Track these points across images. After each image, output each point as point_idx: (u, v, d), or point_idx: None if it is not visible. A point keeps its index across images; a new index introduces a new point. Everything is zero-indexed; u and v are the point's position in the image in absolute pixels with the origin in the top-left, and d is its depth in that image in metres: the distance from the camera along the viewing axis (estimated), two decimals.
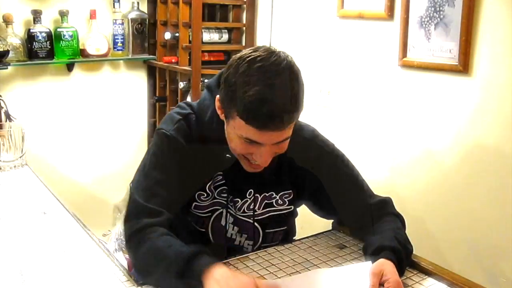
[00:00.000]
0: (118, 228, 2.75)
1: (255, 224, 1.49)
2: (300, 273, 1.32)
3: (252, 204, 1.46)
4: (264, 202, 1.48)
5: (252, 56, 1.24)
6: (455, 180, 1.93)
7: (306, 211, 1.61)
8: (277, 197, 1.48)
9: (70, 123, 2.99)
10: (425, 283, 1.30)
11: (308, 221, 1.66)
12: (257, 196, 1.46)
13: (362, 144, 2.25)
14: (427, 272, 1.34)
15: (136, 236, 1.27)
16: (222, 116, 1.33)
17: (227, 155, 1.38)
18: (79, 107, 3.01)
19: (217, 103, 1.33)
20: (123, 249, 2.63)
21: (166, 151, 1.38)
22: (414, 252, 1.39)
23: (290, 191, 1.49)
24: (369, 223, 1.43)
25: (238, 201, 1.46)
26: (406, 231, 1.44)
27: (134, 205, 1.34)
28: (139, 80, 3.21)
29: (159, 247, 1.22)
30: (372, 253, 1.31)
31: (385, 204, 1.48)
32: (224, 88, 1.28)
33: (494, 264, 1.83)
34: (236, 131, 1.27)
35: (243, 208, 1.46)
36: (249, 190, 1.45)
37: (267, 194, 1.47)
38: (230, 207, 1.46)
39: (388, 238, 1.33)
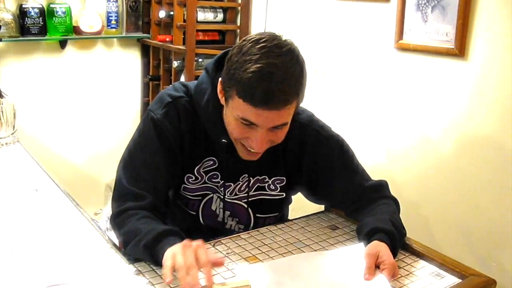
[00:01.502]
0: (110, 207, 2.75)
1: (246, 206, 1.48)
2: (292, 253, 1.32)
3: (244, 186, 1.46)
4: (257, 185, 1.47)
5: (256, 38, 1.24)
6: (449, 165, 1.94)
7: (298, 194, 1.61)
8: (270, 182, 1.47)
9: (63, 100, 2.97)
10: (417, 265, 1.31)
11: (300, 203, 1.67)
12: (250, 179, 1.46)
13: (356, 127, 2.25)
14: (419, 254, 1.35)
15: (118, 217, 1.32)
16: (222, 100, 1.31)
17: (223, 140, 1.36)
18: (72, 85, 2.98)
19: (218, 87, 1.31)
20: None
21: (152, 135, 1.37)
22: (407, 235, 1.40)
23: (283, 177, 1.48)
24: (364, 206, 1.44)
25: (231, 185, 1.45)
26: (400, 215, 1.44)
27: (120, 187, 1.37)
28: (132, 58, 3.19)
29: (136, 226, 1.25)
30: (366, 235, 1.32)
31: (381, 187, 1.48)
32: (226, 69, 1.27)
33: (485, 249, 1.84)
34: (234, 112, 1.26)
35: (235, 191, 1.46)
36: (243, 175, 1.44)
37: (260, 178, 1.46)
38: (221, 192, 1.45)
39: (382, 220, 1.33)
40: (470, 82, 1.83)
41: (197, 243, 1.13)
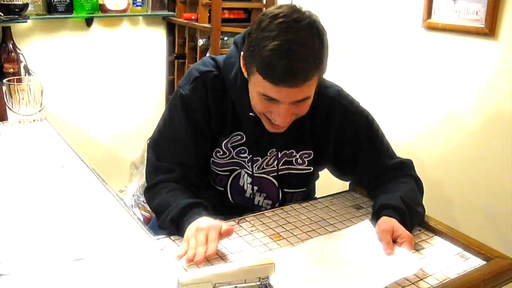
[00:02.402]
0: (135, 185, 2.78)
1: (273, 181, 1.48)
2: (316, 232, 1.32)
3: (272, 160, 1.46)
4: (284, 159, 1.47)
5: (275, 13, 1.22)
6: (475, 145, 1.91)
7: (323, 172, 1.61)
8: (297, 156, 1.47)
9: (89, 78, 2.99)
10: (441, 246, 1.29)
11: (325, 182, 1.66)
12: (278, 154, 1.45)
13: (382, 106, 2.22)
14: (443, 235, 1.33)
15: (150, 191, 1.39)
16: (245, 74, 1.31)
17: (250, 113, 1.36)
18: (98, 63, 3.00)
19: (241, 61, 1.32)
20: (139, 205, 2.67)
21: (180, 111, 1.40)
22: (431, 216, 1.39)
23: (311, 151, 1.47)
24: (383, 184, 1.43)
25: (259, 159, 1.45)
26: (424, 195, 1.43)
27: (151, 163, 1.43)
28: (158, 36, 3.19)
29: (165, 200, 1.31)
30: (375, 212, 1.32)
31: (404, 165, 1.47)
32: (246, 44, 1.27)
33: (511, 231, 1.82)
34: (256, 88, 1.26)
35: (262, 165, 1.46)
36: (271, 149, 1.44)
37: (287, 152, 1.46)
38: (249, 167, 1.45)
39: (392, 197, 1.33)
40: (500, 62, 1.79)
41: (211, 225, 1.17)
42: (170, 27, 3.19)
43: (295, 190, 1.52)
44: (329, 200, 1.52)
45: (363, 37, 2.31)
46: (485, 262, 1.23)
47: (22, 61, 2.50)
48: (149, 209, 2.52)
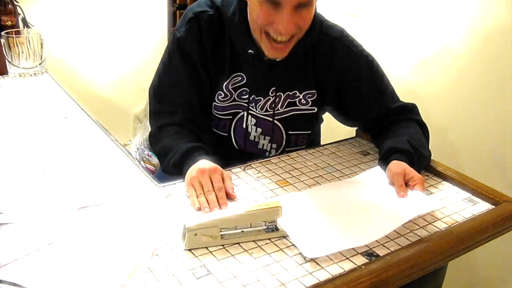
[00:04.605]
0: (139, 138, 2.77)
1: (278, 123, 1.47)
2: (323, 177, 1.31)
3: (275, 102, 1.44)
4: (287, 101, 1.45)
5: None
6: (475, 86, 1.87)
7: (328, 119, 1.58)
8: (301, 96, 1.45)
9: (89, 30, 2.94)
10: (450, 191, 1.29)
11: (331, 129, 1.64)
12: (280, 94, 1.43)
13: (386, 52, 2.18)
14: (452, 180, 1.32)
15: (154, 135, 1.42)
16: None
17: (250, 50, 1.35)
18: (98, 14, 2.94)
19: None
20: (144, 158, 2.66)
21: (176, 53, 1.40)
22: (438, 161, 1.37)
23: (314, 91, 1.45)
24: (387, 128, 1.43)
25: (261, 99, 1.43)
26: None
27: (153, 107, 1.44)
28: None
29: (168, 144, 1.33)
30: (383, 157, 1.31)
31: (407, 109, 1.46)
32: None
33: None
34: None
35: (265, 107, 1.44)
36: (272, 88, 1.42)
37: (290, 93, 1.44)
38: (251, 107, 1.44)
39: (399, 141, 1.32)
40: None
41: (212, 167, 1.19)
42: None
43: (300, 132, 1.50)
44: (336, 147, 1.51)
45: None
46: (493, 207, 1.22)
47: (19, 14, 2.45)
48: (153, 162, 2.52)
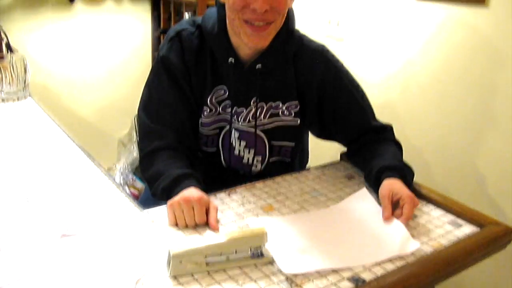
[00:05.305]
0: (123, 163, 2.75)
1: (260, 134, 1.47)
2: (308, 201, 1.31)
3: (257, 113, 1.44)
4: (270, 112, 1.46)
5: None
6: (463, 114, 1.89)
7: (312, 144, 1.59)
8: (283, 108, 1.46)
9: (73, 56, 2.94)
10: (434, 214, 1.29)
11: (316, 152, 1.64)
12: (262, 105, 1.45)
13: (370, 77, 2.20)
14: (436, 203, 1.33)
15: (145, 159, 1.38)
16: None
17: (230, 58, 1.38)
18: (82, 40, 2.95)
19: None
20: (128, 183, 2.64)
21: (161, 72, 1.42)
22: (424, 184, 1.38)
23: (296, 101, 1.46)
24: (367, 145, 1.45)
25: (243, 110, 1.44)
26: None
27: (143, 126, 1.42)
28: (143, 12, 3.14)
29: (159, 169, 1.31)
30: (375, 178, 1.32)
31: (386, 130, 1.49)
32: None
33: (502, 197, 1.81)
34: None
35: (248, 118, 1.45)
36: (253, 98, 1.43)
37: (273, 104, 1.45)
38: (234, 120, 1.45)
39: (387, 158, 1.34)
40: (491, 29, 1.76)
41: (197, 197, 1.17)
42: (155, 2, 3.14)
43: (283, 142, 1.50)
44: (320, 170, 1.51)
45: (352, 7, 2.27)
46: (478, 229, 1.23)
47: (3, 38, 2.44)
48: (138, 186, 2.50)
